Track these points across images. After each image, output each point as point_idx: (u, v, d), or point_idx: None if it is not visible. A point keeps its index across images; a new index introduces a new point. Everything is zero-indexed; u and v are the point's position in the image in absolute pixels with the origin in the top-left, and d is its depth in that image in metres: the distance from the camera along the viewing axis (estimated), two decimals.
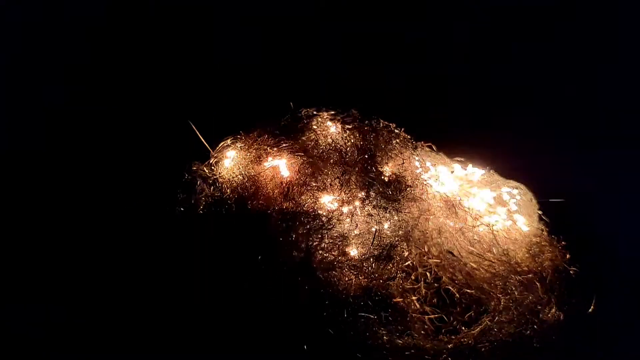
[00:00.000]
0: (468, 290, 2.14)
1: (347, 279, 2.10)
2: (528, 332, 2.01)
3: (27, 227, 2.43)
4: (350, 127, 2.40)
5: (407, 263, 2.17)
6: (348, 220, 2.18)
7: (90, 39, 3.11)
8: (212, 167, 2.40)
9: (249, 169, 2.32)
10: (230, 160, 2.39)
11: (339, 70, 3.19)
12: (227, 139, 2.46)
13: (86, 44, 3.12)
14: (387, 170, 2.32)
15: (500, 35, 3.22)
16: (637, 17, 3.09)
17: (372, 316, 2.04)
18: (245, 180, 2.29)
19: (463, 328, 2.08)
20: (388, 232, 2.17)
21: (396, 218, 2.19)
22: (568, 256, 2.27)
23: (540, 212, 2.44)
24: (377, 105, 2.56)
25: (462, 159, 2.53)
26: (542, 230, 2.41)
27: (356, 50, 3.24)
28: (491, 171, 2.54)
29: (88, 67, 3.07)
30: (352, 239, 2.16)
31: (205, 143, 2.47)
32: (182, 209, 2.28)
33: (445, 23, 3.31)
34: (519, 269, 2.19)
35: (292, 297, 2.04)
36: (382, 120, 2.48)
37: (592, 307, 2.11)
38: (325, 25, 3.25)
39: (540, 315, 2.05)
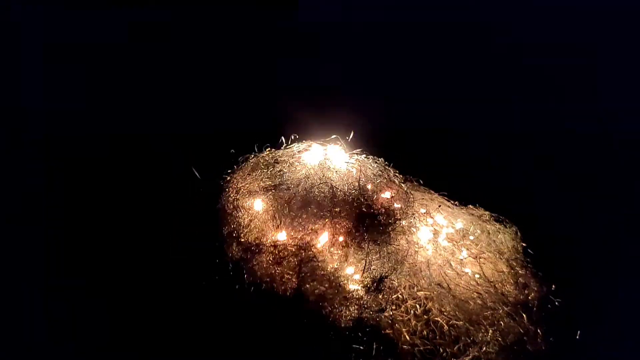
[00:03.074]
0: (456, 322, 2.17)
1: (338, 310, 2.13)
2: None
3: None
4: (340, 162, 2.50)
5: (396, 295, 2.21)
6: (339, 252, 2.24)
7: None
8: None
9: (242, 201, 2.39)
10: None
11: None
12: (222, 174, 2.55)
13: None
14: (377, 203, 2.40)
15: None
16: None
17: (363, 347, 2.06)
18: (239, 213, 2.36)
19: (452, 359, 2.10)
20: (378, 263, 2.23)
21: (386, 250, 2.26)
22: (553, 287, 2.33)
23: (524, 244, 2.51)
24: (366, 139, 2.67)
25: (448, 193, 2.63)
26: (528, 262, 2.47)
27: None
28: (477, 205, 2.64)
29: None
30: (344, 271, 2.21)
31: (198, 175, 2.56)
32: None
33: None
34: (505, 301, 2.24)
35: (284, 327, 2.07)
36: (371, 156, 2.58)
37: (577, 337, 2.15)
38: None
39: (527, 345, 2.09)
